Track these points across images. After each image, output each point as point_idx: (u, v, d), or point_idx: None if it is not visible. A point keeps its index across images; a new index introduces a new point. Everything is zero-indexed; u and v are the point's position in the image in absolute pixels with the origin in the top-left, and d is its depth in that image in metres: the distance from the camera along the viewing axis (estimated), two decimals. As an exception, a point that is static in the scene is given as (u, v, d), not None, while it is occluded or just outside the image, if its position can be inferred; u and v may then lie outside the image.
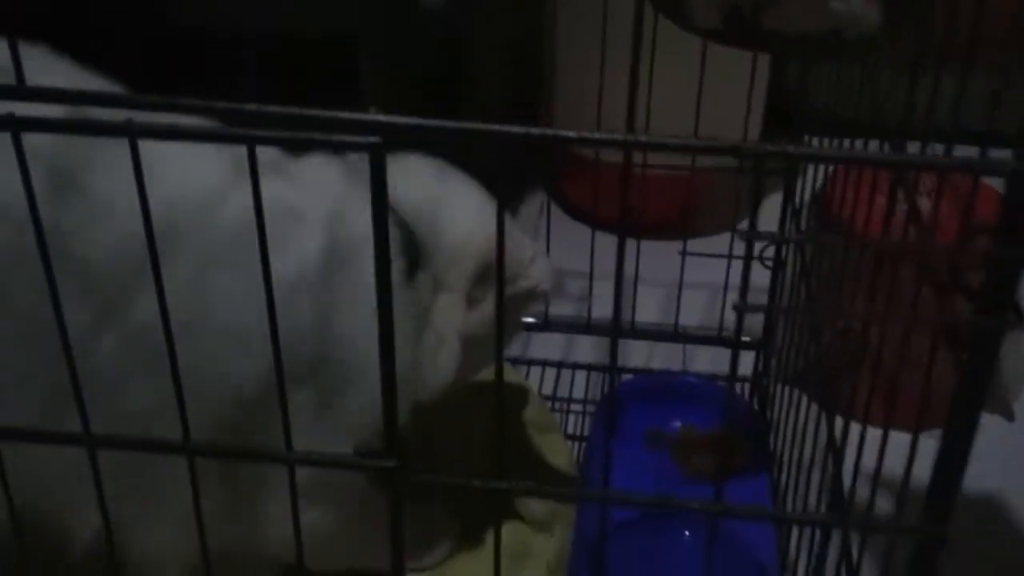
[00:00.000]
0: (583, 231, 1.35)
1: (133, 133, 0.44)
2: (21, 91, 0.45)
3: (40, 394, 0.65)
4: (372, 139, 0.43)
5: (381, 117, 0.43)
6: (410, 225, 0.85)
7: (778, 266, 1.22)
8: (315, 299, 0.74)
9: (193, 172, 0.71)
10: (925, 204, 1.36)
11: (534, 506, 1.05)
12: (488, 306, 0.87)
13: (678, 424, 1.17)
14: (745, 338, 1.30)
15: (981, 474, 1.27)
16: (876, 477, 0.72)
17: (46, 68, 0.71)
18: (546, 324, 1.33)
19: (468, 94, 1.65)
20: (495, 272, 0.83)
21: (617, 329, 0.82)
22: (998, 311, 0.46)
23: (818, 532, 0.82)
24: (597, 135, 0.44)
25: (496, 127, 0.44)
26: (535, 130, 0.44)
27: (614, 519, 1.00)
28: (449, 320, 0.86)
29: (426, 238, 0.87)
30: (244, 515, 0.77)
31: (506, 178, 0.51)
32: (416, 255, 0.85)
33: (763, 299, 1.26)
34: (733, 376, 0.61)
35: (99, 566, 0.68)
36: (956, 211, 1.23)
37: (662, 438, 1.14)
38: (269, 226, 0.47)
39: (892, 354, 1.27)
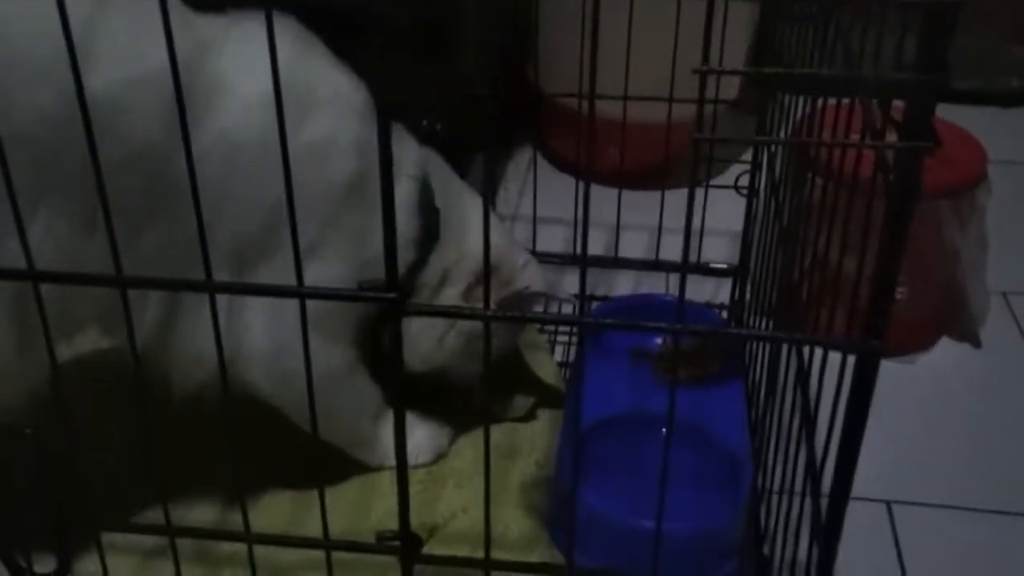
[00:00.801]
0: (569, 181, 1.41)
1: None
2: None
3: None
4: None
5: None
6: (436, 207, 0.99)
7: (753, 193, 1.29)
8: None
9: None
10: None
11: (518, 402, 1.12)
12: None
13: (659, 341, 1.24)
14: (720, 265, 1.37)
15: (950, 400, 1.35)
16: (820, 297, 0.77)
17: None
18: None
19: (458, 46, 1.70)
20: (495, 274, 1.00)
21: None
22: (917, 134, 0.52)
23: (793, 438, 0.87)
24: None
25: None
26: None
27: (596, 419, 1.07)
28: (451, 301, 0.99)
29: (448, 229, 1.01)
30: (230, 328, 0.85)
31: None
32: (435, 236, 0.99)
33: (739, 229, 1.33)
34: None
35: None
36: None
37: (644, 354, 1.21)
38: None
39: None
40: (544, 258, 1.40)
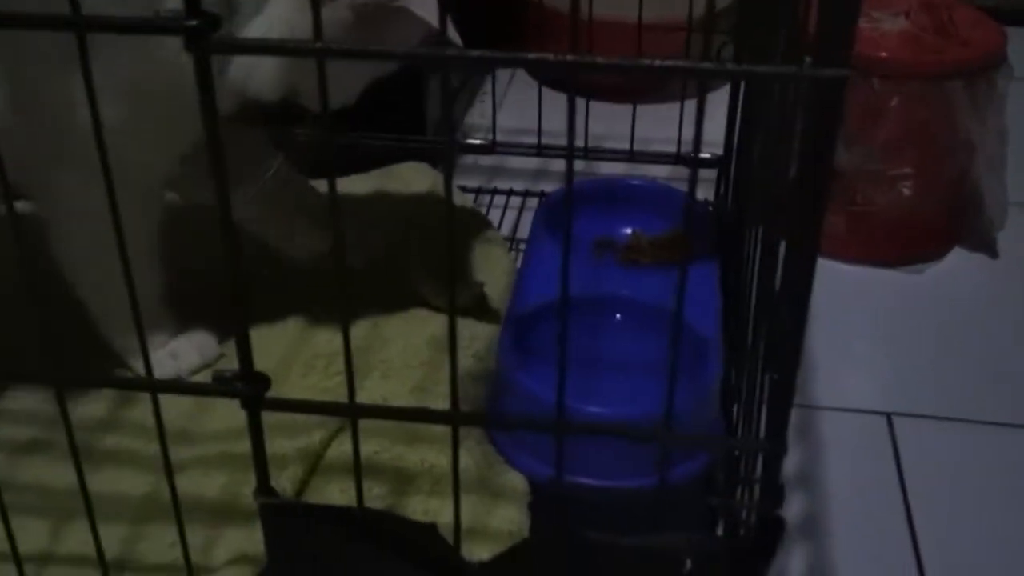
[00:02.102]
0: (546, 94, 1.28)
1: None
2: None
3: None
4: None
5: None
6: None
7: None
8: None
9: None
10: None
11: (460, 289, 0.98)
12: (340, 12, 0.76)
13: (628, 231, 1.09)
14: (705, 155, 1.22)
15: (959, 313, 1.21)
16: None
17: None
18: (493, 146, 1.26)
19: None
20: None
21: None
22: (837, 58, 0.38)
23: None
24: None
25: None
26: None
27: (545, 302, 0.93)
28: (286, 8, 0.76)
29: None
30: None
31: None
32: None
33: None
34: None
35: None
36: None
37: (609, 244, 1.07)
38: None
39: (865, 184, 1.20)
40: (509, 149, 1.28)
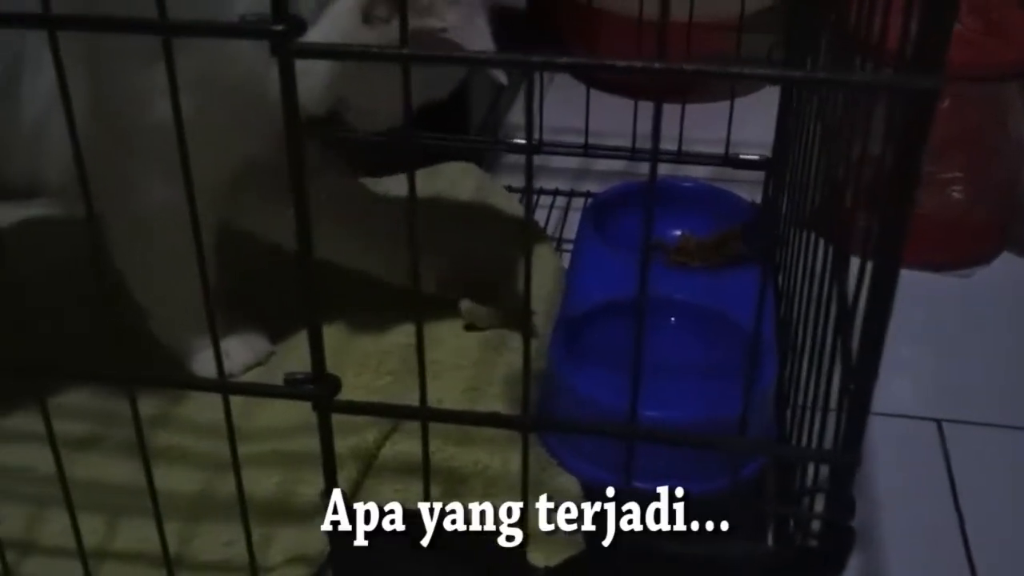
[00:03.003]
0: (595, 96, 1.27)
1: None
2: None
3: None
4: None
5: None
6: None
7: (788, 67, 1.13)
8: None
9: None
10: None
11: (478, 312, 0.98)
12: (391, 32, 0.75)
13: (677, 233, 1.09)
14: (752, 156, 1.21)
15: (1009, 317, 1.20)
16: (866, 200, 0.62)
17: None
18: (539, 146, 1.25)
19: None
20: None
21: None
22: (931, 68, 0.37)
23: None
24: None
25: None
26: None
27: (596, 304, 0.92)
28: (337, 28, 0.76)
29: None
30: None
31: None
32: None
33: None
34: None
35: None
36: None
37: (658, 247, 1.06)
38: None
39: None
40: (554, 148, 1.27)
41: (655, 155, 0.45)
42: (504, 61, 0.46)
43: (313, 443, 0.53)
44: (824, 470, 0.65)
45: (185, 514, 0.80)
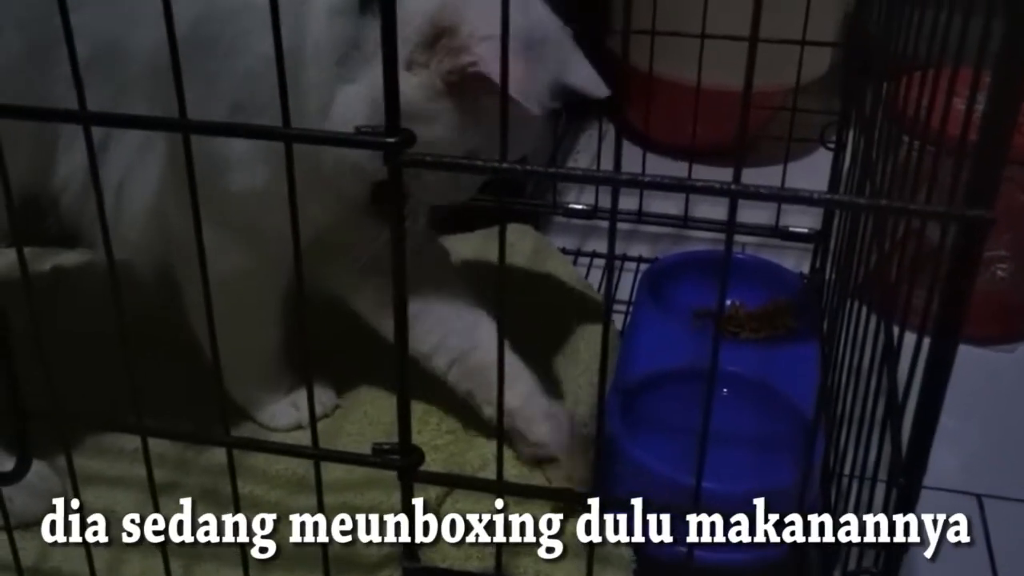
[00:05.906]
0: (640, 153, 1.32)
1: None
2: None
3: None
4: None
5: None
6: None
7: (840, 148, 1.17)
8: None
9: None
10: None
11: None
12: (429, 77, 0.78)
13: (728, 303, 1.13)
14: (802, 229, 1.25)
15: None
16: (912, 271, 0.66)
17: None
18: (594, 212, 1.30)
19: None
20: (445, 40, 0.77)
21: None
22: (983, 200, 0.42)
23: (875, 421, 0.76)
24: None
25: None
26: None
27: (649, 374, 0.96)
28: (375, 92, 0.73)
29: None
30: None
31: None
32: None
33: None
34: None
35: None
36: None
37: (709, 316, 1.10)
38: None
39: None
40: (608, 214, 1.31)
41: (729, 244, 0.49)
42: (587, 178, 0.51)
43: (380, 495, 0.57)
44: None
45: (255, 562, 0.84)
